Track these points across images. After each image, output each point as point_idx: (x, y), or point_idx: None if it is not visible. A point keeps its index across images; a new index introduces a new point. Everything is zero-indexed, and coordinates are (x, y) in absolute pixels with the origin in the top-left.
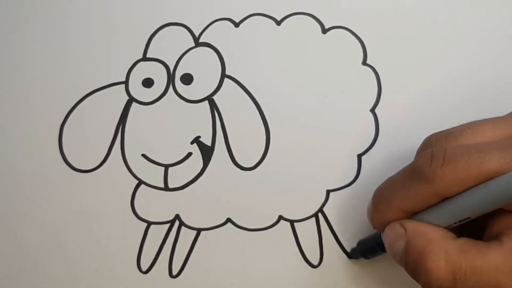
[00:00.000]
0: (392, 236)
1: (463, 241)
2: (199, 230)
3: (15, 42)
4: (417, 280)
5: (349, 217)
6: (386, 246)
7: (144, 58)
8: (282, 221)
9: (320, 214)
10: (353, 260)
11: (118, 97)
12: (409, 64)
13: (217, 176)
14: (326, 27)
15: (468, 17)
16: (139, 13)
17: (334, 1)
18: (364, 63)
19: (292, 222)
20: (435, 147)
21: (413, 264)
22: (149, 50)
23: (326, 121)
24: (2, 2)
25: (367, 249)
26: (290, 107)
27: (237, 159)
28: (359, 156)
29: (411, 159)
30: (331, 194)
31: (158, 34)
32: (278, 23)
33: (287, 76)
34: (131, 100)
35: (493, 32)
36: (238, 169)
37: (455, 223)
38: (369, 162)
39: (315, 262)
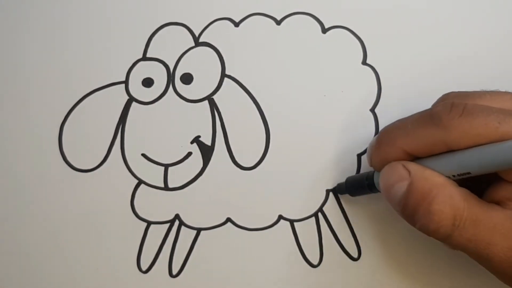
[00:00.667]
0: (394, 176)
1: (466, 191)
2: (199, 230)
3: (15, 42)
4: (413, 223)
5: (349, 217)
6: (382, 186)
7: (144, 58)
8: (282, 220)
9: (320, 214)
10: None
11: (118, 96)
12: (409, 64)
13: (217, 176)
14: (326, 26)
15: (469, 17)
16: (139, 13)
17: (334, 1)
18: (364, 63)
19: (292, 222)
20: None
21: (413, 206)
22: (149, 49)
23: (326, 121)
24: (2, 2)
25: (355, 186)
26: (290, 107)
27: (237, 159)
28: (359, 156)
29: None
30: (331, 193)
31: (158, 33)
32: (278, 22)
33: (287, 76)
34: (131, 99)
35: (493, 31)
36: (238, 169)
37: (454, 176)
38: None
39: (315, 261)
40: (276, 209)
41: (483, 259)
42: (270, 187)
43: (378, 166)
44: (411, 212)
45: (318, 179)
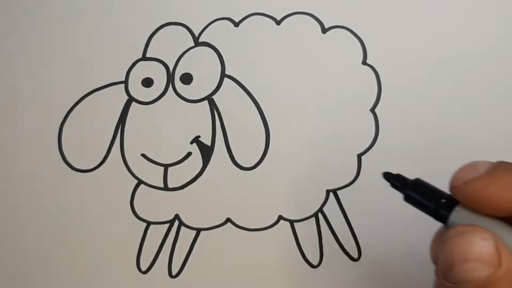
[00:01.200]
0: (477, 252)
1: None
2: (198, 230)
3: (15, 42)
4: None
5: (349, 217)
6: (454, 251)
7: (144, 58)
8: (282, 221)
9: (320, 214)
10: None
11: (118, 96)
12: (409, 64)
13: (216, 176)
14: (326, 26)
15: (469, 16)
16: (138, 13)
17: (334, 1)
18: (364, 63)
19: (292, 222)
20: None
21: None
22: (148, 49)
23: (326, 121)
24: (2, 2)
25: (421, 197)
26: (290, 107)
27: (236, 159)
28: (359, 156)
29: (411, 159)
30: (331, 194)
31: (158, 33)
32: (278, 22)
33: (287, 76)
34: (130, 99)
35: (493, 31)
36: (238, 169)
37: None
38: (369, 162)
39: (315, 262)
40: (276, 209)
41: None
42: (270, 187)
43: (474, 199)
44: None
45: (318, 179)
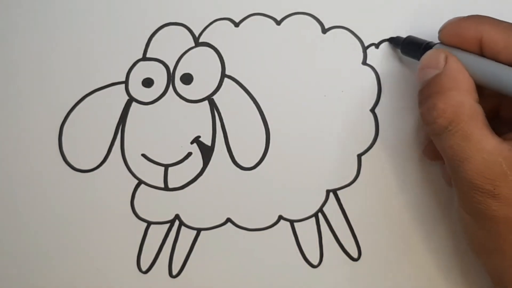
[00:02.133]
0: (431, 61)
1: (480, 111)
2: (199, 230)
3: (15, 41)
4: (419, 105)
5: (349, 217)
6: (420, 64)
7: (144, 58)
8: (282, 221)
9: (320, 214)
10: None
11: (118, 97)
12: (409, 64)
13: (217, 176)
14: (326, 27)
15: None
16: (139, 13)
17: (334, 1)
18: (364, 63)
19: (292, 222)
20: None
21: (427, 93)
22: (149, 49)
23: (326, 121)
24: (2, 2)
25: (412, 45)
26: (290, 107)
27: (237, 159)
28: (359, 156)
29: (411, 159)
30: (331, 194)
31: (158, 33)
32: (278, 23)
33: (287, 76)
34: (131, 100)
35: None
36: (238, 169)
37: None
38: (369, 162)
39: (315, 262)
40: (276, 209)
41: (454, 166)
42: (270, 187)
43: (446, 37)
44: (423, 97)
45: (318, 179)
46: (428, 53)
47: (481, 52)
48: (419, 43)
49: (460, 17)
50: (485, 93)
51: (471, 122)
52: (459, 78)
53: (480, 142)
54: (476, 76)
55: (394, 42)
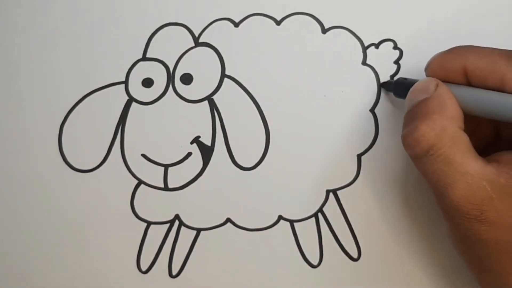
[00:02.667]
0: (423, 85)
1: (464, 138)
2: (198, 230)
3: (15, 41)
4: (403, 127)
5: (349, 217)
6: (412, 88)
7: (144, 58)
8: (282, 221)
9: (320, 214)
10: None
11: (118, 97)
12: (409, 64)
13: (217, 176)
14: (326, 27)
15: (469, 16)
16: (139, 13)
17: (334, 1)
18: (364, 63)
19: (292, 222)
20: None
21: (412, 116)
22: (149, 50)
23: (326, 121)
24: (2, 1)
25: (403, 87)
26: (290, 107)
27: (237, 159)
28: (359, 156)
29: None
30: (331, 194)
31: (158, 34)
32: (278, 23)
33: (287, 76)
34: (130, 100)
35: (494, 31)
36: (238, 169)
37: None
38: (369, 162)
39: (314, 262)
40: (276, 209)
41: (439, 195)
42: (270, 187)
43: (433, 73)
44: (407, 119)
45: (318, 179)
46: (422, 80)
47: (469, 82)
48: (409, 84)
49: (443, 51)
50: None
51: (453, 147)
52: (446, 103)
53: (463, 166)
54: (466, 106)
55: (386, 87)
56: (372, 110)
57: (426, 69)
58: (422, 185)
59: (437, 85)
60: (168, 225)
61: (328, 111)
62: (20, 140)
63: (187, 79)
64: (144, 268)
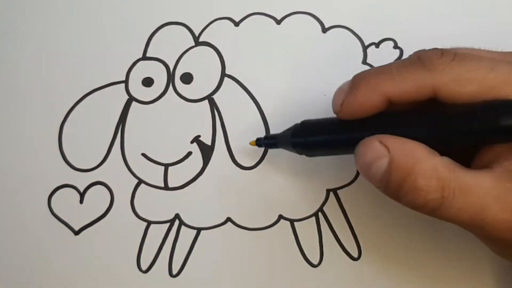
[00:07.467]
0: (371, 154)
1: (450, 160)
2: (199, 230)
3: (15, 41)
4: (399, 200)
5: (349, 216)
6: (360, 165)
7: (144, 57)
8: (282, 220)
9: (320, 214)
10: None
11: (118, 96)
12: None
13: (217, 176)
14: (326, 26)
15: (469, 16)
16: (139, 13)
17: (334, 1)
18: (364, 62)
19: (292, 222)
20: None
21: (397, 183)
22: (149, 49)
23: None
24: (2, 1)
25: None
26: (290, 106)
27: (237, 159)
28: None
29: None
30: (331, 193)
31: (158, 33)
32: (278, 22)
33: (287, 76)
34: (131, 99)
35: (495, 32)
36: (238, 169)
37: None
38: None
39: (315, 261)
40: (276, 208)
41: (476, 226)
42: (270, 186)
43: (353, 112)
44: (395, 189)
45: (318, 178)
46: (360, 149)
47: (391, 106)
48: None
49: (347, 85)
50: None
51: (458, 176)
52: (411, 151)
53: (480, 186)
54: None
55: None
56: None
57: (338, 112)
58: None
59: (380, 142)
60: (168, 224)
61: (328, 111)
62: (20, 140)
63: (187, 78)
64: (144, 268)
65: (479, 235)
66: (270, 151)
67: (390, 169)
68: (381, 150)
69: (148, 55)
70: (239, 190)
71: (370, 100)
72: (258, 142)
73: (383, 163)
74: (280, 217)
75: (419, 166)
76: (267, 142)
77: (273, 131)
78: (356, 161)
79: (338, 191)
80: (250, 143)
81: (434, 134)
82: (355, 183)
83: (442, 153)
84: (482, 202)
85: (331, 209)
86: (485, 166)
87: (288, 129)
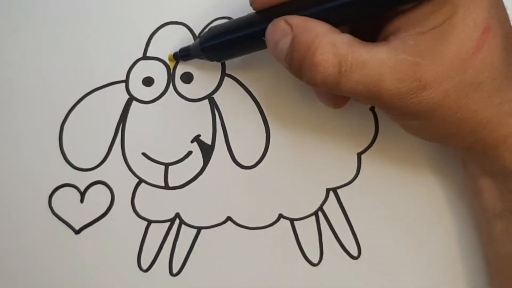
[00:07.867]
0: (277, 33)
1: (350, 37)
2: (199, 229)
3: (15, 41)
4: (301, 78)
5: (349, 215)
6: (269, 45)
7: (144, 57)
8: (282, 219)
9: (320, 213)
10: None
11: (118, 96)
12: None
13: (217, 175)
14: None
15: None
16: (139, 12)
17: None
18: None
19: (292, 221)
20: None
21: (298, 60)
22: (149, 48)
23: (326, 120)
24: (2, 1)
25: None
26: (290, 105)
27: (237, 158)
28: (359, 155)
29: (411, 158)
30: (331, 192)
31: (158, 33)
32: None
33: (287, 75)
34: (131, 99)
35: None
36: (238, 168)
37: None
38: (369, 161)
39: (315, 260)
40: (276, 208)
41: (373, 97)
42: (270, 186)
43: (260, 4)
44: (297, 66)
45: (318, 178)
46: (269, 29)
47: None
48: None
49: None
50: None
51: (355, 51)
52: (312, 27)
53: (376, 58)
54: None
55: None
56: (372, 109)
57: (252, 3)
58: (422, 184)
59: (285, 21)
60: (168, 223)
61: (328, 110)
62: (21, 139)
63: (187, 78)
64: (144, 267)
65: (378, 106)
66: (270, 150)
67: (292, 46)
68: (285, 28)
69: (148, 54)
70: (240, 189)
71: None
72: (175, 57)
73: (287, 40)
74: (280, 216)
75: (318, 41)
76: (182, 54)
77: (273, 131)
78: (266, 43)
79: (338, 190)
80: (168, 58)
81: (335, 11)
82: (355, 182)
83: (350, 32)
84: (377, 74)
85: (331, 208)
86: (384, 39)
87: (199, 38)
